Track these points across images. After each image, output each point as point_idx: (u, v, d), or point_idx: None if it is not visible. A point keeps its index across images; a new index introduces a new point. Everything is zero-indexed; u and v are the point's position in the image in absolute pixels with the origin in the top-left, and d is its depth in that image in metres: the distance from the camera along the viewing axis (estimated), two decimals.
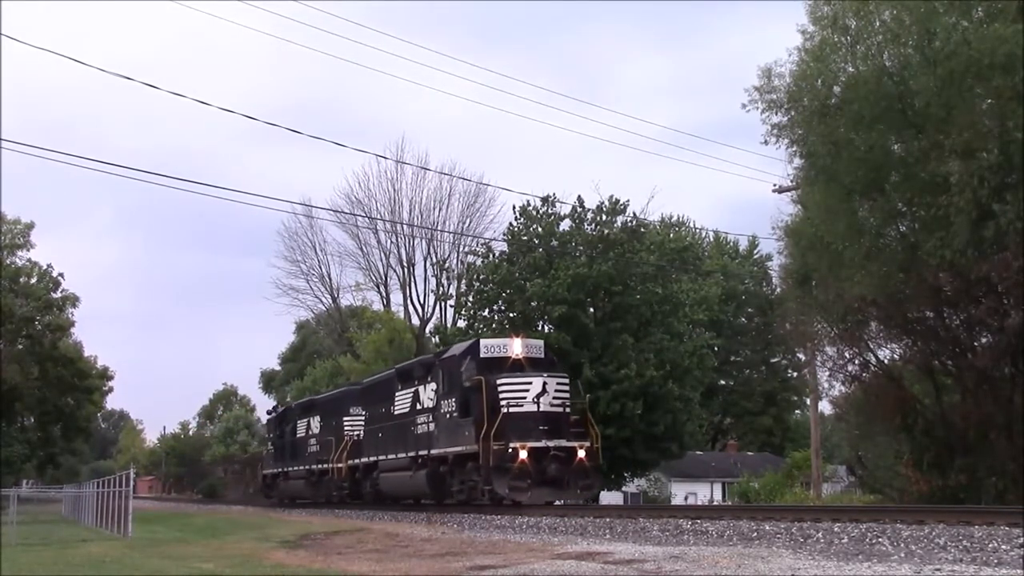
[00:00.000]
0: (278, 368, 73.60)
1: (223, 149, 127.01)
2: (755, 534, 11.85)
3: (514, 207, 38.30)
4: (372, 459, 25.85)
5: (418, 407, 22.80)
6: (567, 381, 20.37)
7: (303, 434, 33.83)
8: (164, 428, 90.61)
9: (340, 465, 28.43)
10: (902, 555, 9.35)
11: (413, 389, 23.34)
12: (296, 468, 34.14)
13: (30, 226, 48.88)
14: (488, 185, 52.04)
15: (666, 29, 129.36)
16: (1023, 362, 19.91)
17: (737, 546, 11.21)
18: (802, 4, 21.84)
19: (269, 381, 74.30)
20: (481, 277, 39.17)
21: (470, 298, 39.89)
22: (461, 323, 42.19)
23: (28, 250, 49.11)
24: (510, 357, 20.73)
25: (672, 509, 16.09)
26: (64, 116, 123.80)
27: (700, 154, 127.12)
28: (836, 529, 11.18)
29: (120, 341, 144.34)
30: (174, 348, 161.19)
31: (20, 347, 48.39)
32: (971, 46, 18.18)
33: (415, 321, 53.29)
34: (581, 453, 19.02)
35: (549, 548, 12.17)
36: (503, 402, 19.22)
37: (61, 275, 50.19)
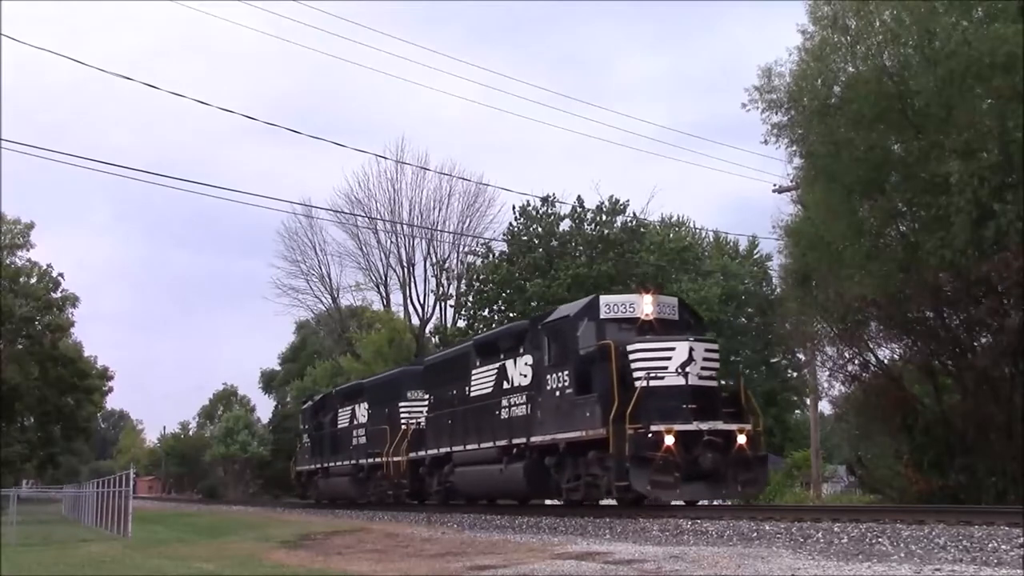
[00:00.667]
0: (278, 368, 73.64)
1: (223, 149, 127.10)
2: (755, 534, 11.85)
3: (514, 207, 38.48)
4: (443, 451, 21.84)
5: (505, 386, 19.12)
6: (717, 347, 16.74)
7: (346, 424, 29.79)
8: (164, 428, 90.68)
9: (398, 459, 24.43)
10: (902, 555, 9.34)
11: (498, 364, 19.59)
12: (338, 463, 30.03)
13: (30, 226, 48.95)
14: (488, 185, 52.08)
15: (664, 27, 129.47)
16: (1023, 362, 19.91)
17: (737, 546, 11.21)
18: (802, 4, 21.89)
19: (269, 381, 74.32)
20: (481, 277, 39.30)
21: (470, 298, 40.03)
22: (461, 323, 42.30)
23: (28, 250, 49.22)
24: (639, 318, 16.79)
25: (672, 509, 15.63)
26: (63, 115, 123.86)
27: (700, 154, 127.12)
28: (836, 529, 11.18)
29: (120, 341, 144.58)
30: (174, 348, 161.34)
31: (20, 347, 48.41)
32: (971, 46, 18.18)
33: (415, 321, 53.38)
34: (741, 438, 15.27)
35: (549, 548, 12.16)
36: (636, 374, 15.46)
37: (61, 275, 50.27)
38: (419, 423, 24.16)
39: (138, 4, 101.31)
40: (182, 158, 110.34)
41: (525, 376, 18.40)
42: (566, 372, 16.78)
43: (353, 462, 28.28)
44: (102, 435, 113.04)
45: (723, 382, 16.70)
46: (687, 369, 15.36)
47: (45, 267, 50.01)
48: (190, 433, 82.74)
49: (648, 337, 16.24)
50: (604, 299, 17.26)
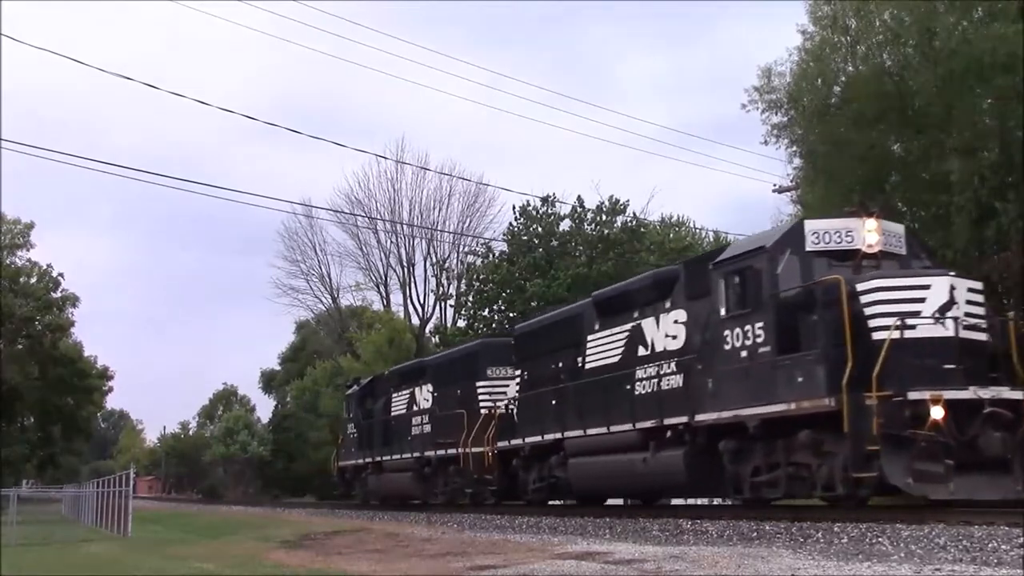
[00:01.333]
0: (278, 368, 73.71)
1: (223, 149, 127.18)
2: (755, 534, 11.84)
3: (514, 207, 38.46)
4: (548, 438, 17.53)
5: (642, 352, 15.18)
6: (982, 288, 12.17)
7: (403, 410, 25.50)
8: (164, 428, 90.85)
9: (481, 450, 20.33)
10: (902, 555, 9.33)
11: (630, 325, 15.60)
12: (395, 457, 25.27)
13: (30, 226, 49.11)
14: (488, 185, 52.18)
15: (664, 27, 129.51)
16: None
17: (737, 546, 11.19)
18: (802, 4, 21.95)
19: (269, 381, 74.40)
20: (481, 277, 39.30)
21: (470, 298, 40.01)
22: (461, 323, 42.31)
23: (28, 250, 49.34)
24: (858, 250, 12.68)
25: (672, 509, 15.50)
26: (63, 115, 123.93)
27: (700, 154, 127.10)
28: (836, 529, 11.16)
29: (120, 341, 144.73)
30: (174, 348, 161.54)
31: (20, 347, 48.51)
32: (972, 46, 18.21)
33: (415, 321, 53.43)
34: None
35: (549, 548, 12.15)
36: (876, 322, 11.33)
37: (61, 275, 50.41)
38: (506, 406, 20.19)
39: (138, 4, 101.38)
40: (182, 158, 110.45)
41: (675, 337, 14.57)
42: (759, 325, 12.53)
43: (416, 455, 23.87)
44: (102, 435, 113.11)
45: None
46: (948, 315, 11.17)
47: (45, 267, 50.17)
48: (190, 433, 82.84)
49: (889, 272, 12.24)
50: (811, 225, 13.01)
